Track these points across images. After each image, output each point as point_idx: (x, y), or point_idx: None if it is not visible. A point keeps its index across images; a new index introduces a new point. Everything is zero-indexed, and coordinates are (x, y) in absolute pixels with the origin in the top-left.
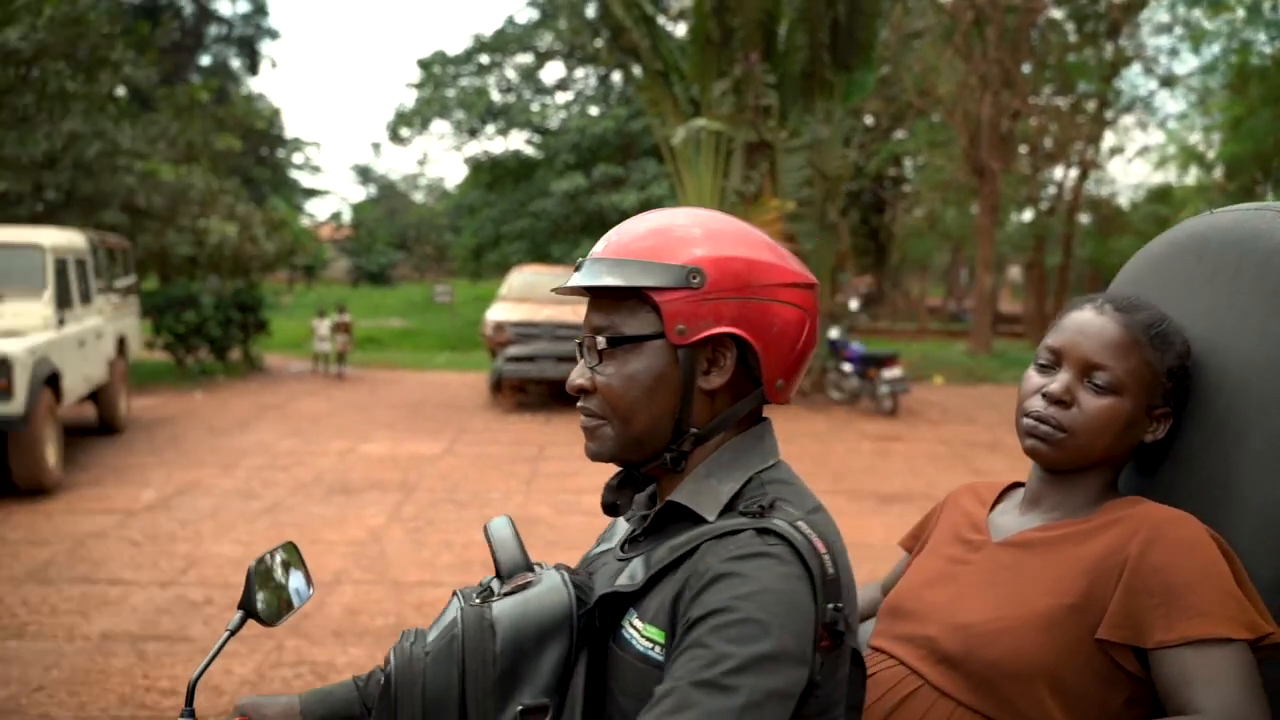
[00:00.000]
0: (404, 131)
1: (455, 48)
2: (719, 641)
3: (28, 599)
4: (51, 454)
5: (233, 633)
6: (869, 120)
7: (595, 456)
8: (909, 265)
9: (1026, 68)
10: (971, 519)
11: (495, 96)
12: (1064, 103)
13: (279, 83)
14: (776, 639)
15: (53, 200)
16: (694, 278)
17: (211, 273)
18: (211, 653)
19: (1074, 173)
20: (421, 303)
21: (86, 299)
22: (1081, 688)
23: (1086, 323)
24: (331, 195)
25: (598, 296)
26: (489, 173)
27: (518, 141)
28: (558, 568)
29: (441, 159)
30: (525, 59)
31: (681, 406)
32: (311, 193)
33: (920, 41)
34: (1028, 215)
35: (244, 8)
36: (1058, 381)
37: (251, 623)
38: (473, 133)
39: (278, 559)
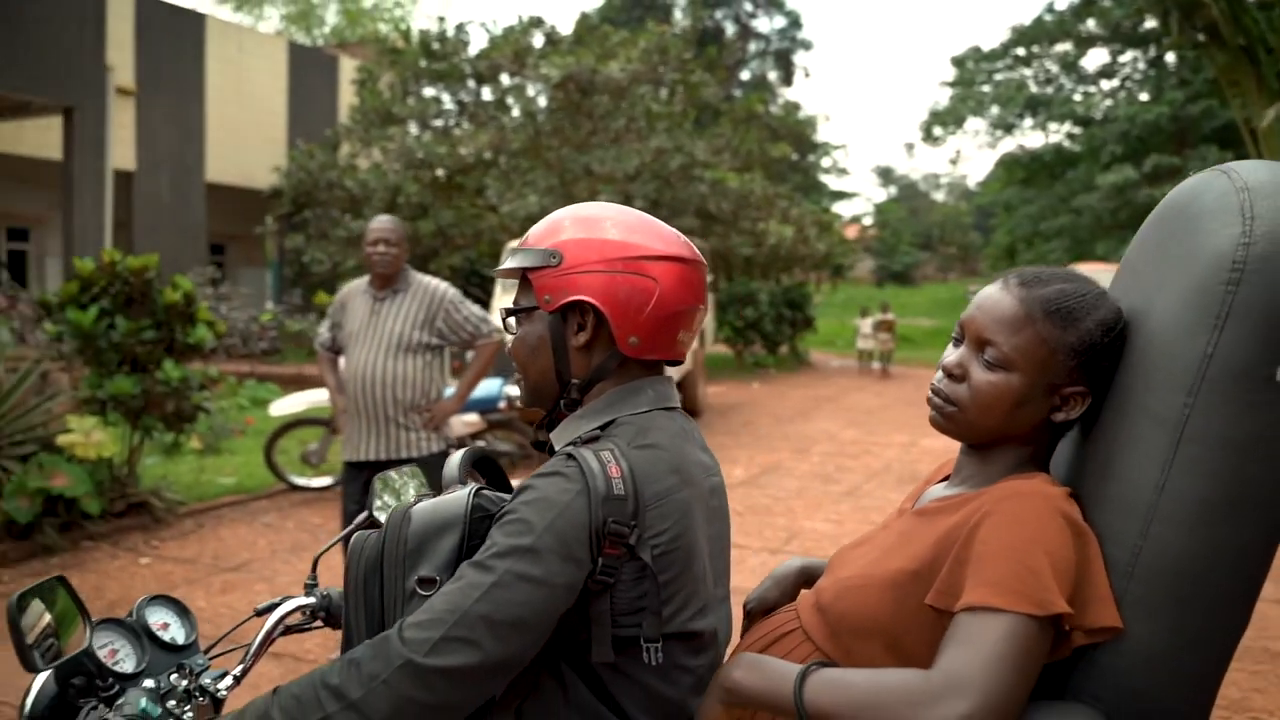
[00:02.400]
0: (937, 130)
1: (990, 43)
2: (496, 533)
3: None
4: None
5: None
6: None
7: (522, 405)
8: None
9: None
10: (918, 489)
11: (1033, 89)
12: None
13: (810, 91)
14: (537, 536)
15: (639, 209)
16: (553, 258)
17: (766, 272)
18: (336, 537)
19: None
20: (949, 302)
21: None
22: (915, 649)
23: (986, 298)
24: (857, 197)
25: (508, 279)
26: (1024, 169)
27: (1057, 135)
28: (476, 488)
29: (973, 157)
30: (1065, 47)
31: (559, 362)
32: (838, 195)
33: None
34: None
35: (780, 23)
36: (953, 355)
37: None
38: (1008, 128)
39: (408, 480)
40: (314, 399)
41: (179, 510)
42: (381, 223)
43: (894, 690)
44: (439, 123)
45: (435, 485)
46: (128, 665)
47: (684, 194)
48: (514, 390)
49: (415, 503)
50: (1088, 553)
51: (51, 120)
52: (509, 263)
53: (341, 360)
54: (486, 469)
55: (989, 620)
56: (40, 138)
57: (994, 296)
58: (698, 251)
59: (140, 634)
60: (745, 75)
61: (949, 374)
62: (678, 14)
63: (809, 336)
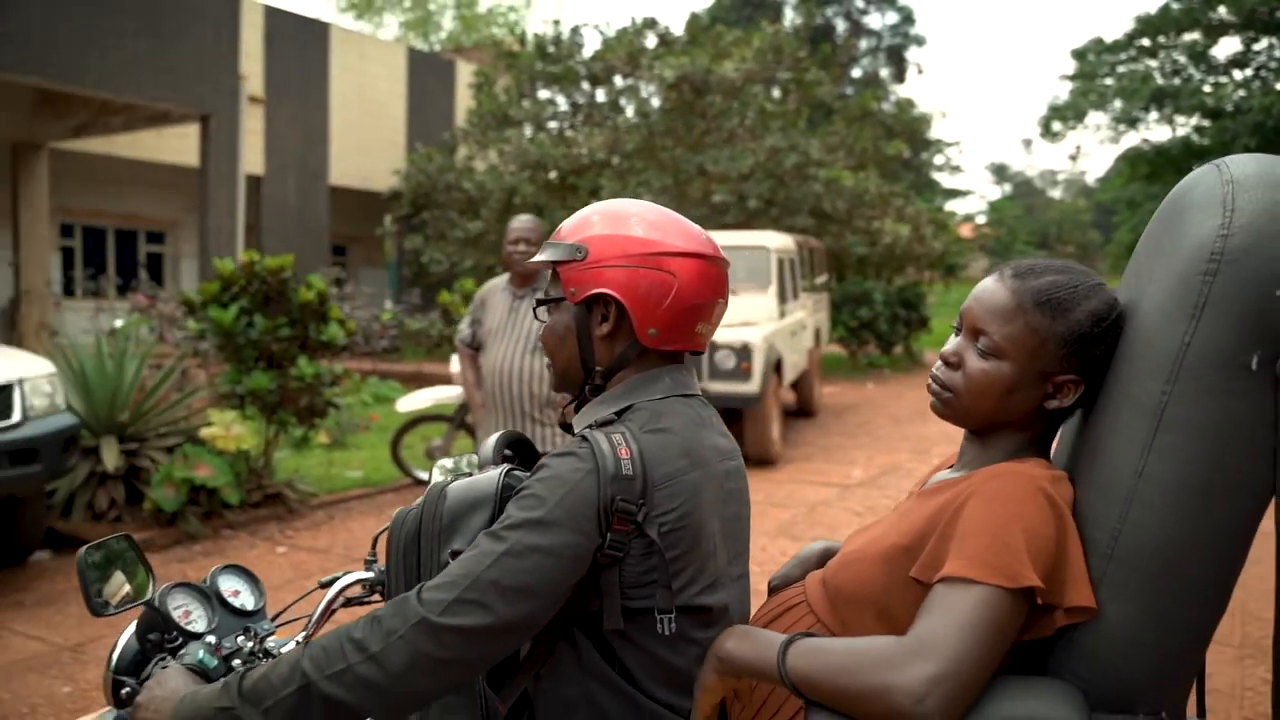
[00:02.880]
0: (1056, 126)
1: (1112, 34)
2: (512, 507)
3: (786, 550)
4: (776, 430)
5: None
6: None
7: (552, 389)
8: None
9: None
10: (929, 474)
11: (1158, 80)
12: None
13: (923, 87)
14: (548, 510)
15: (753, 208)
16: (578, 252)
17: (880, 271)
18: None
19: None
20: None
21: (794, 294)
22: (903, 620)
23: (983, 290)
24: (970, 195)
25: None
26: (1148, 164)
27: (1184, 128)
28: (507, 469)
29: (1093, 153)
30: (1193, 36)
31: (583, 350)
32: (951, 193)
33: None
34: None
35: (892, 19)
36: (951, 344)
37: None
38: (1132, 122)
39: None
40: (439, 395)
41: (311, 502)
42: (522, 222)
43: (867, 654)
44: (554, 124)
45: None
46: (199, 625)
47: (798, 193)
48: None
49: (451, 481)
50: (1066, 533)
51: (186, 129)
52: (540, 256)
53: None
54: (521, 451)
55: (962, 590)
56: (176, 145)
57: (989, 288)
58: (719, 249)
59: (212, 598)
60: (856, 73)
61: (946, 362)
62: (788, 12)
63: (923, 337)
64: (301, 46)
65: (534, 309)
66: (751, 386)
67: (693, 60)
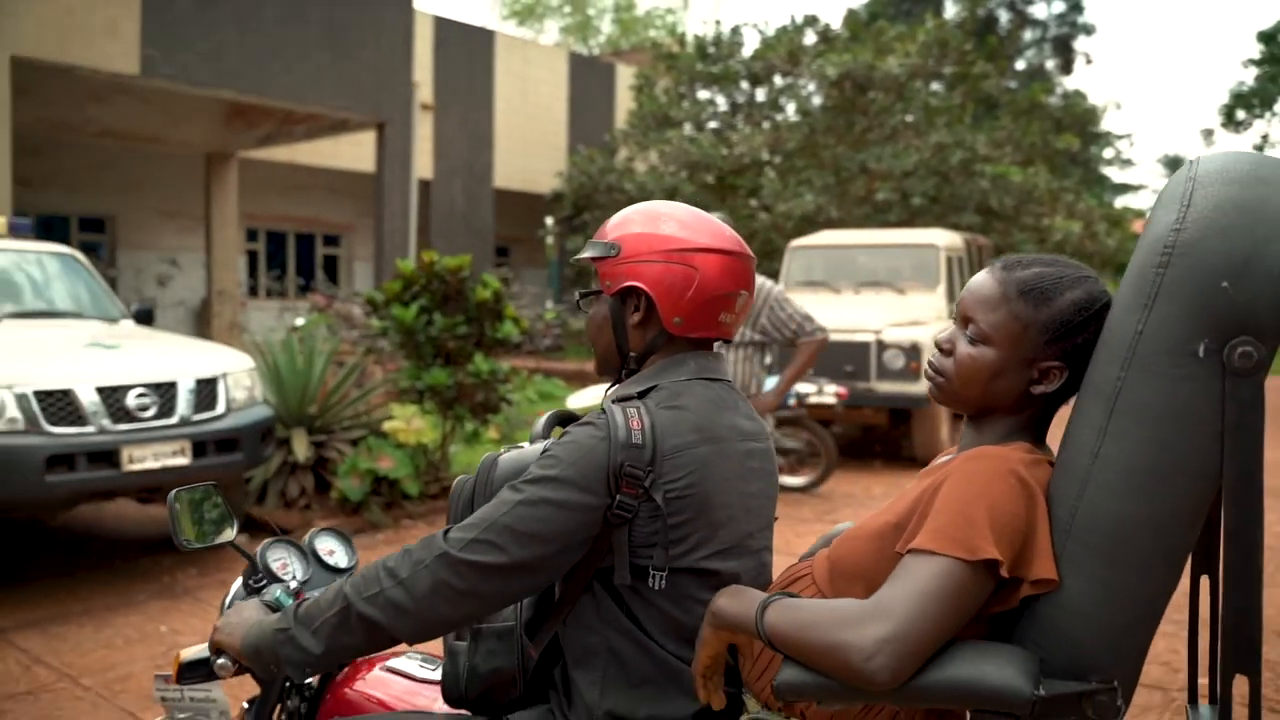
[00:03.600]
0: (1240, 114)
1: None
2: (533, 466)
3: None
4: (945, 432)
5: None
6: None
7: (596, 373)
8: None
9: None
10: (937, 459)
11: None
12: None
13: (1092, 78)
14: (563, 469)
15: (917, 206)
16: (612, 249)
17: None
18: None
19: None
20: None
21: None
22: None
23: (974, 281)
24: (1143, 190)
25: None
26: None
27: None
28: (553, 442)
29: None
30: None
31: (618, 338)
32: (1121, 188)
33: None
34: None
35: (1059, 7)
36: (945, 332)
37: None
38: None
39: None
40: None
41: None
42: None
43: (831, 613)
44: (713, 125)
45: None
46: (294, 576)
47: (963, 190)
48: (806, 388)
49: (503, 453)
50: (1035, 511)
51: (362, 136)
52: (583, 254)
53: None
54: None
55: (923, 561)
56: (352, 152)
57: (980, 280)
58: (744, 246)
59: (309, 555)
60: (1020, 65)
61: (940, 349)
62: (949, 5)
63: None
64: (468, 54)
65: (577, 301)
66: (920, 387)
67: (855, 57)
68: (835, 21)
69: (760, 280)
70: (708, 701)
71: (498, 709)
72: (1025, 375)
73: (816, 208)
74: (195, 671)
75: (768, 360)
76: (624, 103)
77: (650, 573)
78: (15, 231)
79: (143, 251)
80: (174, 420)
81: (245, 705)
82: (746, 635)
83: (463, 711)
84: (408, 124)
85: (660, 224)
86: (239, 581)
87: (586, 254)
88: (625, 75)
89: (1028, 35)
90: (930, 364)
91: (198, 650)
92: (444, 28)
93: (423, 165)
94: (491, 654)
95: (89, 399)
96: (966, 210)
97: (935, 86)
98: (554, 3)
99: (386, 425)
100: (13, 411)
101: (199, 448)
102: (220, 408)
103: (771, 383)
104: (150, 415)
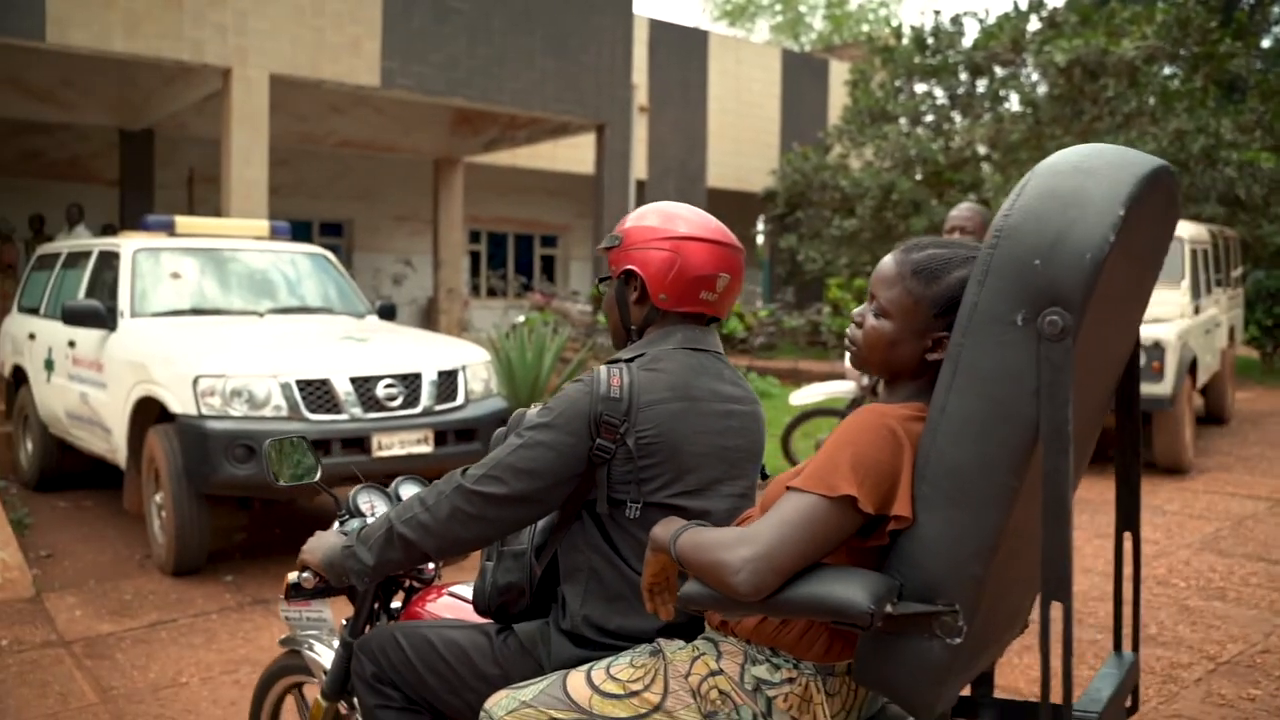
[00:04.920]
0: None
1: None
2: (532, 414)
3: (1214, 566)
4: (1189, 436)
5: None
6: None
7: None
8: None
9: None
10: None
11: None
12: None
13: None
14: (554, 416)
15: None
16: (616, 240)
17: None
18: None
19: None
20: None
21: (1207, 289)
22: None
23: (881, 263)
24: None
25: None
26: None
27: None
28: None
29: None
30: None
31: (622, 314)
32: None
33: None
34: None
35: None
36: (859, 308)
37: None
38: None
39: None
40: (832, 390)
41: None
42: (960, 210)
43: (717, 538)
44: (930, 118)
45: None
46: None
47: (1205, 179)
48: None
49: (530, 408)
50: (901, 458)
51: (578, 139)
52: (601, 245)
53: None
54: None
55: (792, 496)
56: (569, 155)
57: (884, 261)
58: (730, 237)
59: (393, 499)
60: (1266, 42)
61: (854, 322)
62: None
63: None
64: (682, 55)
65: (596, 284)
66: (1163, 387)
67: (1087, 41)
68: (1060, 5)
69: None
70: (654, 612)
71: (510, 619)
72: (920, 344)
73: None
74: (299, 590)
75: None
76: (837, 99)
77: (626, 505)
78: (275, 234)
79: (376, 254)
80: (418, 410)
81: (344, 621)
82: (665, 555)
83: (487, 621)
84: (627, 125)
85: (657, 218)
86: (335, 525)
87: (602, 245)
88: (839, 71)
89: (1278, 9)
90: (847, 334)
91: (298, 573)
92: (658, 30)
93: (637, 166)
94: (508, 571)
95: (344, 389)
96: (1209, 201)
97: (1169, 70)
98: (765, 1)
99: None
100: (278, 399)
101: (440, 436)
102: (460, 399)
103: None
104: (397, 405)
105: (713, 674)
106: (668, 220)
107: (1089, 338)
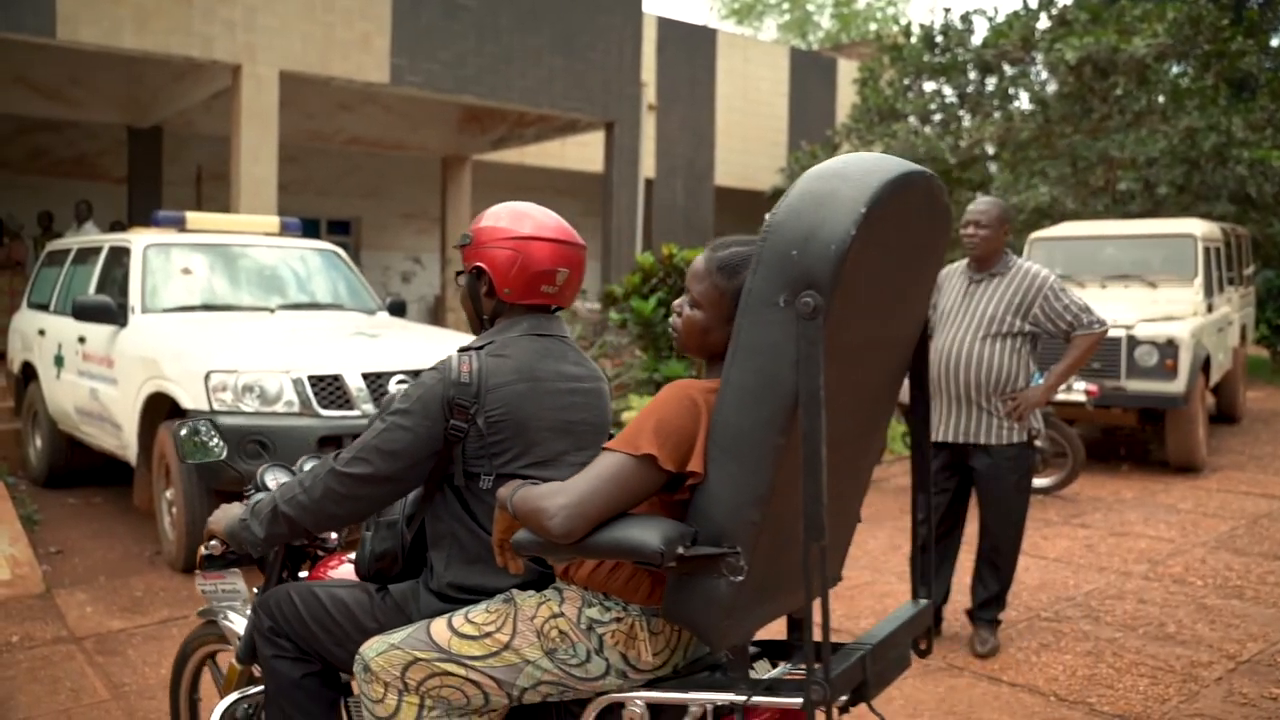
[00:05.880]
0: None
1: None
2: (395, 400)
3: (1231, 564)
4: (1202, 434)
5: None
6: None
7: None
8: None
9: None
10: None
11: None
12: None
13: None
14: (410, 402)
15: (1162, 195)
16: (467, 239)
17: None
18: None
19: None
20: None
21: (1220, 287)
22: None
23: (694, 260)
24: None
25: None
26: None
27: None
28: None
29: None
30: None
31: (475, 306)
32: None
33: None
34: None
35: None
36: (678, 300)
37: None
38: None
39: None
40: None
41: None
42: (975, 205)
43: (540, 491)
44: (938, 117)
45: None
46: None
47: (1216, 177)
48: (1080, 386)
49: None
50: (699, 424)
51: (586, 138)
52: (455, 243)
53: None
54: None
55: (604, 455)
56: (577, 153)
57: (696, 260)
58: (571, 236)
59: (294, 474)
60: (1277, 41)
61: (675, 312)
62: None
63: None
64: (690, 53)
65: (456, 277)
66: (1176, 386)
67: (1097, 39)
68: (1070, 3)
69: (1034, 268)
70: (504, 566)
71: (388, 581)
72: (727, 330)
73: (1051, 199)
74: (212, 561)
75: (1036, 352)
76: (845, 98)
77: (480, 477)
78: (286, 230)
79: (384, 251)
80: None
81: (255, 590)
82: (507, 512)
83: (368, 584)
84: (636, 123)
85: (503, 219)
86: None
87: (455, 243)
88: (847, 70)
89: None
90: (670, 323)
91: (205, 544)
92: (666, 28)
93: (645, 164)
94: (383, 540)
95: (355, 384)
96: (1219, 199)
97: (1177, 69)
98: (772, 0)
99: (625, 415)
100: (290, 395)
101: None
102: None
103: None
104: None
105: (554, 616)
106: (513, 221)
107: (850, 317)
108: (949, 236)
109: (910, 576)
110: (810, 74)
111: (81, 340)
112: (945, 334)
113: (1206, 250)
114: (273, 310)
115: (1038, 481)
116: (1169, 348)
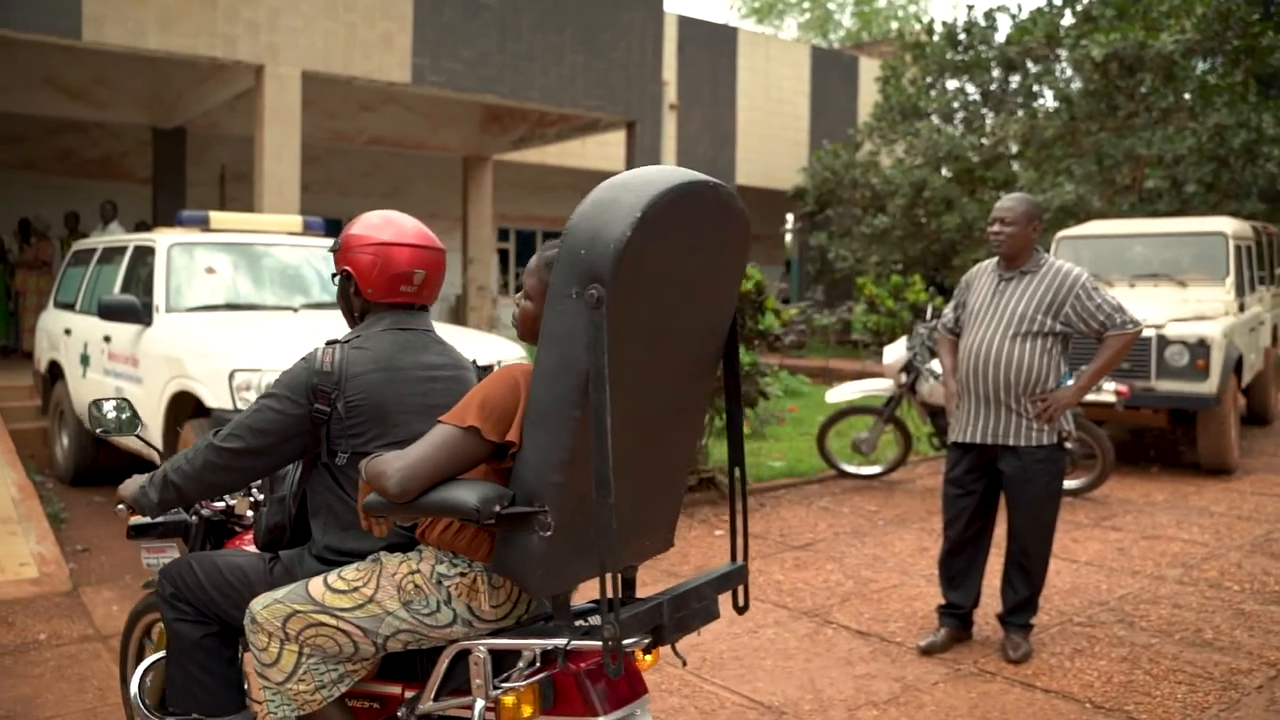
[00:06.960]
0: None
1: None
2: (270, 384)
3: (1268, 569)
4: (1234, 436)
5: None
6: None
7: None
8: None
9: None
10: None
11: None
12: None
13: None
14: (280, 387)
15: (1190, 194)
16: (337, 245)
17: None
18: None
19: None
20: None
21: (1251, 286)
22: None
23: (530, 259)
24: None
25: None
26: None
27: None
28: None
29: None
30: None
31: (346, 305)
32: None
33: None
34: None
35: None
36: (518, 294)
37: None
38: None
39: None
40: (868, 388)
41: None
42: (1002, 202)
43: (385, 458)
44: (961, 115)
45: None
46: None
47: (1245, 175)
48: (1110, 386)
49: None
50: (519, 400)
51: (607, 137)
52: (330, 246)
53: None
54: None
55: (437, 427)
56: (598, 152)
57: (532, 259)
58: (430, 240)
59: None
60: None
61: (516, 305)
62: None
63: None
64: (711, 52)
65: (332, 279)
66: (1208, 386)
67: (1124, 35)
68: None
69: (1067, 266)
70: (369, 529)
71: (279, 549)
72: None
73: (1077, 197)
74: (137, 531)
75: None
76: (867, 96)
77: (338, 454)
78: (309, 229)
79: None
80: None
81: None
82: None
83: (263, 553)
84: (657, 122)
85: (367, 226)
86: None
87: (330, 247)
88: (868, 68)
89: None
90: (512, 313)
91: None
92: (687, 27)
93: (666, 164)
94: (274, 513)
95: None
96: (1249, 197)
97: (1205, 65)
98: None
99: None
100: None
101: None
102: None
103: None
104: None
105: (412, 573)
106: (376, 228)
107: (635, 306)
108: (748, 240)
109: (730, 543)
110: (832, 73)
111: (107, 339)
112: (974, 333)
113: (1238, 249)
114: (296, 309)
115: (1066, 483)
116: (1200, 348)
